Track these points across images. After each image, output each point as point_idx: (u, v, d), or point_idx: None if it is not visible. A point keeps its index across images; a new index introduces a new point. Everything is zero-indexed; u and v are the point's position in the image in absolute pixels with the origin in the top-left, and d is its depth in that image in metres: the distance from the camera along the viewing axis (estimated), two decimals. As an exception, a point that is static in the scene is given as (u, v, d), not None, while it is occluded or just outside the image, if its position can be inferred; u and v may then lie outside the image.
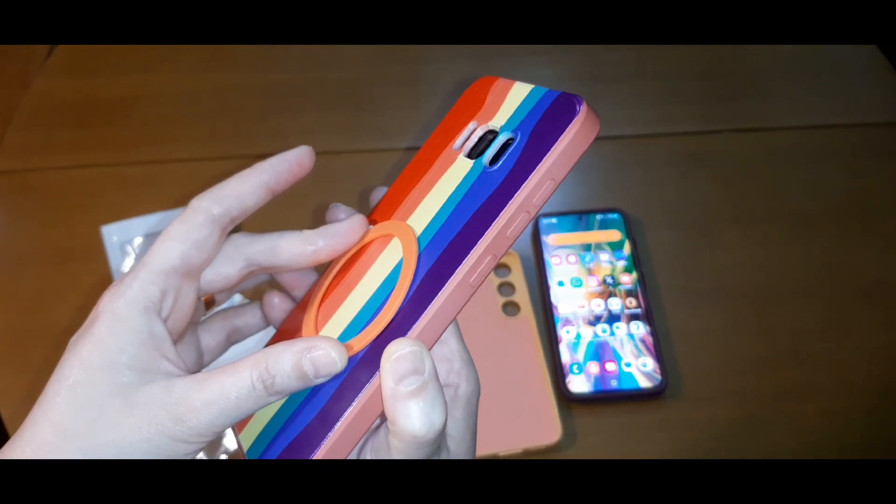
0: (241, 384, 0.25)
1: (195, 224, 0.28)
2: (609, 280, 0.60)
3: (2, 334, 0.60)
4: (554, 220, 0.63)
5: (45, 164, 0.71)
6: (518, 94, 0.29)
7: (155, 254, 0.28)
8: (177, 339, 0.29)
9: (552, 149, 0.25)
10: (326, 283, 0.31)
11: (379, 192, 0.32)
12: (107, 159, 0.70)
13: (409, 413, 0.25)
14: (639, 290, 0.60)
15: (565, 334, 0.57)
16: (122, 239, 0.63)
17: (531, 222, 0.27)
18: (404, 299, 0.27)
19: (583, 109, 0.26)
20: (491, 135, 0.29)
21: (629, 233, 0.63)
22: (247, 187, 0.29)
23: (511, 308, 0.60)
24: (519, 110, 0.28)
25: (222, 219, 0.29)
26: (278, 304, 0.33)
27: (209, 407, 0.25)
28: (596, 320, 0.58)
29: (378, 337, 0.27)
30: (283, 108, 0.74)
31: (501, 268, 0.62)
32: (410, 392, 0.25)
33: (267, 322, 0.34)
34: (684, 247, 0.64)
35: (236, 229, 0.30)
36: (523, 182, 0.26)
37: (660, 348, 0.57)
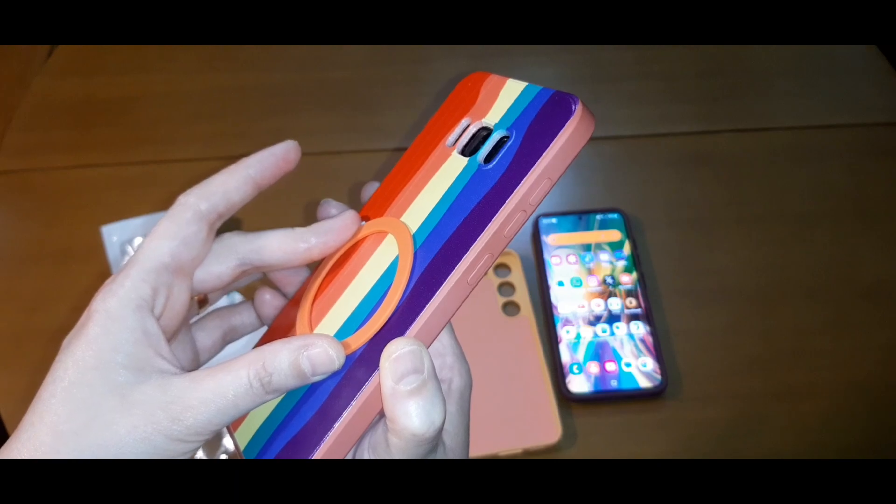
0: (238, 382, 0.25)
1: (183, 221, 0.28)
2: (609, 280, 0.60)
3: (2, 334, 0.60)
4: (554, 220, 0.63)
5: (45, 164, 0.71)
6: (511, 91, 0.29)
7: (145, 251, 0.28)
8: (171, 338, 0.28)
9: (548, 148, 0.26)
10: (319, 280, 0.31)
11: (370, 188, 0.32)
12: (107, 159, 0.70)
13: (408, 412, 0.25)
14: (639, 290, 0.60)
15: (565, 334, 0.57)
16: (122, 239, 0.63)
17: (528, 220, 0.27)
18: (401, 298, 0.27)
19: (578, 109, 0.26)
20: (485, 132, 0.29)
21: (629, 233, 0.63)
22: (233, 182, 0.29)
23: (511, 308, 0.60)
24: (513, 108, 0.28)
25: (209, 214, 0.29)
26: (269, 301, 0.33)
27: (206, 405, 0.25)
28: (596, 320, 0.58)
29: (376, 335, 0.27)
30: (283, 108, 0.74)
31: (501, 268, 0.62)
32: (410, 391, 0.25)
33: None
34: (684, 247, 0.64)
35: (228, 228, 0.30)
36: (520, 181, 0.26)
37: (660, 348, 0.57)
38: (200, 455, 0.53)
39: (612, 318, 0.58)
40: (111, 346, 0.26)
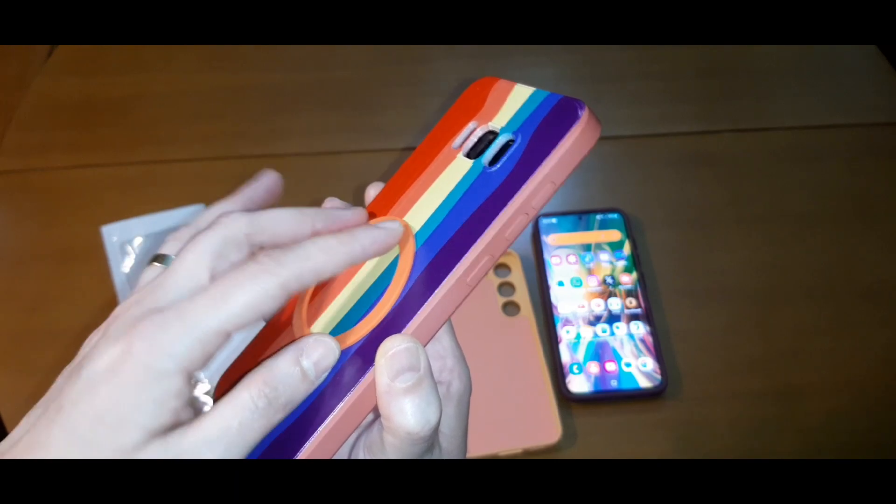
0: (241, 408, 0.24)
1: (269, 290, 0.25)
2: (609, 280, 0.60)
3: (2, 334, 0.60)
4: (554, 220, 0.63)
5: (45, 164, 0.71)
6: (519, 96, 0.29)
7: (213, 308, 0.25)
8: None
9: (553, 152, 0.26)
10: None
11: (374, 189, 0.32)
12: (107, 159, 0.70)
13: (404, 410, 0.25)
14: (639, 290, 0.60)
15: (565, 334, 0.57)
16: (122, 239, 0.63)
17: (529, 223, 0.27)
18: (400, 296, 0.27)
19: (585, 114, 0.26)
20: (491, 135, 0.29)
21: (629, 233, 0.63)
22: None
23: (511, 308, 0.60)
24: (520, 112, 0.28)
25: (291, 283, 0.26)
26: None
27: (211, 447, 0.23)
28: (596, 320, 0.58)
29: (372, 332, 0.27)
30: (283, 108, 0.74)
31: (501, 268, 0.62)
32: (406, 388, 0.25)
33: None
34: (684, 247, 0.64)
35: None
36: (523, 184, 0.26)
37: (660, 348, 0.57)
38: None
39: (612, 318, 0.58)
40: (135, 404, 0.23)
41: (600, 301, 0.59)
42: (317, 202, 0.32)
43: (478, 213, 0.26)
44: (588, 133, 0.26)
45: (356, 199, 0.31)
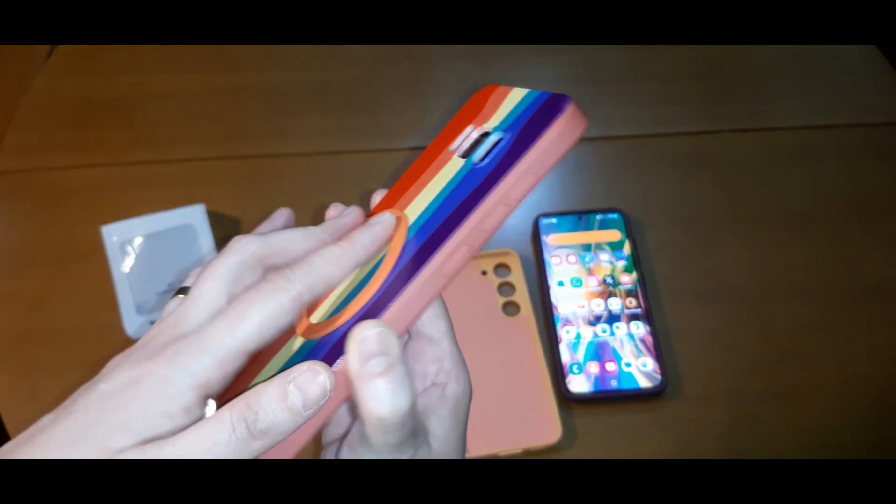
0: (220, 428, 0.23)
1: (283, 305, 0.26)
2: (609, 280, 0.60)
3: (2, 334, 0.60)
4: (554, 220, 0.63)
5: (45, 164, 0.71)
6: (514, 98, 0.30)
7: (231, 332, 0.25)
8: None
9: (533, 145, 0.26)
10: None
11: (379, 196, 0.33)
12: (107, 159, 0.70)
13: (373, 395, 0.25)
14: (639, 290, 0.60)
15: (565, 334, 0.57)
16: (122, 239, 0.62)
17: (510, 215, 0.27)
18: (382, 285, 0.27)
19: (568, 108, 0.26)
20: (485, 137, 0.30)
21: (629, 233, 0.63)
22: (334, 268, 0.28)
23: (511, 308, 0.60)
24: (512, 112, 0.29)
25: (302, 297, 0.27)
26: None
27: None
28: (596, 320, 0.58)
29: (348, 321, 0.27)
30: (283, 108, 0.74)
31: (501, 268, 0.62)
32: (375, 374, 0.25)
33: None
34: (684, 247, 0.64)
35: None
36: (503, 176, 0.27)
37: (660, 348, 0.57)
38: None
39: (612, 318, 0.58)
40: (140, 413, 0.24)
41: (600, 301, 0.59)
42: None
43: (461, 207, 0.27)
44: (570, 126, 0.26)
45: (356, 201, 0.31)
